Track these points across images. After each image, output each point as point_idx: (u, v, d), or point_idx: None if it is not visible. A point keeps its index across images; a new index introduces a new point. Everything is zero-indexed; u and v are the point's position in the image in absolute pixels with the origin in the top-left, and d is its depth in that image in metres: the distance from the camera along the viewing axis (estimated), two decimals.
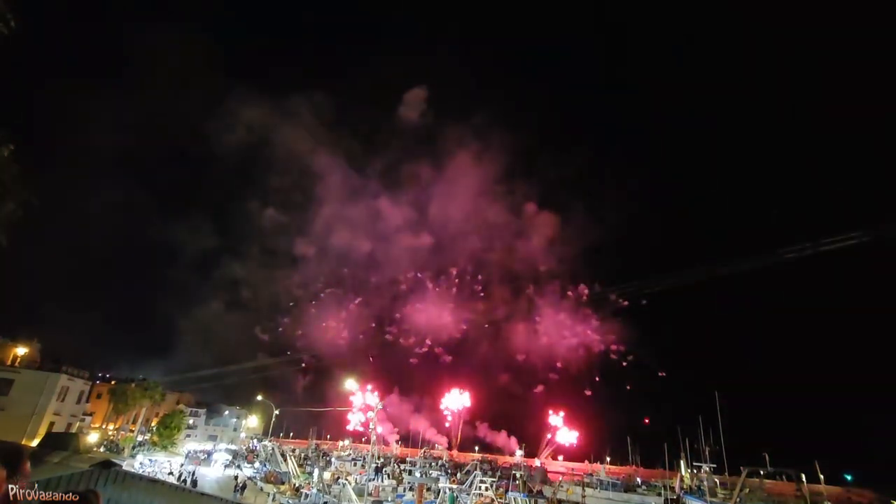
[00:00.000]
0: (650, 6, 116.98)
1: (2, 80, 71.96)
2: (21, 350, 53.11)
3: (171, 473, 42.93)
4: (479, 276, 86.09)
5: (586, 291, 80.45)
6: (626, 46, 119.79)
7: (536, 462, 66.55)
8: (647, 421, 61.41)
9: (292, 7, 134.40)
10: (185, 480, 40.28)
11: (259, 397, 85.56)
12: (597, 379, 77.21)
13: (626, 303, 77.64)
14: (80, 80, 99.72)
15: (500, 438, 77.93)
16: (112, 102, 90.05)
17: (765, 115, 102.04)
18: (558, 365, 78.39)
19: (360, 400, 74.46)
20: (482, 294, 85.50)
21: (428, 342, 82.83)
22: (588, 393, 75.89)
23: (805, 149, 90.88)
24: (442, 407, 76.41)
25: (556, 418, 70.91)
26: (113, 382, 69.64)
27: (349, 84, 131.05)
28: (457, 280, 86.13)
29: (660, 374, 72.74)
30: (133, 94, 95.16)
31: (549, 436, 72.31)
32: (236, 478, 42.86)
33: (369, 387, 71.07)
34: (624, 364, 75.43)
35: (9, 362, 50.77)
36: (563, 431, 70.22)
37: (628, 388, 74.47)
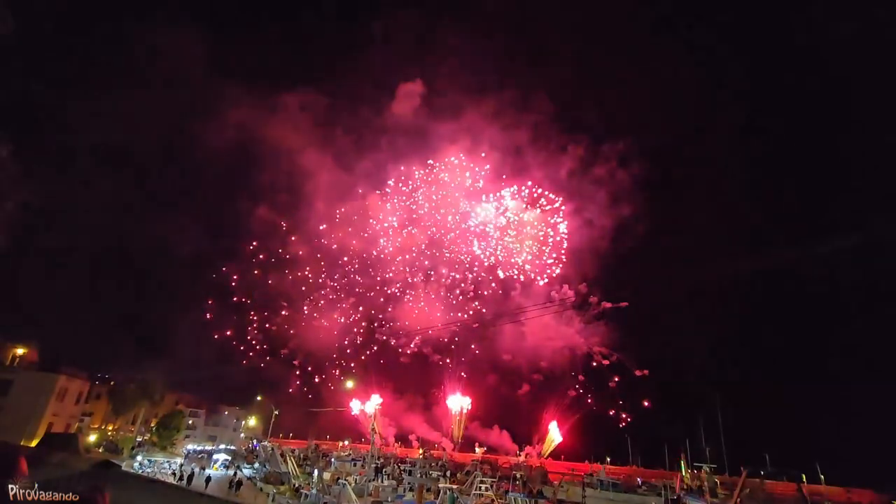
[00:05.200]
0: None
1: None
2: (20, 351, 53.08)
3: (173, 473, 42.97)
4: (469, 276, 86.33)
5: (571, 293, 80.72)
6: (621, 42, 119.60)
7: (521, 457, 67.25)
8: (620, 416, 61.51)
9: (285, 5, 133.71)
10: (182, 478, 40.43)
11: (258, 398, 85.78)
12: (580, 378, 77.55)
13: (609, 304, 77.99)
14: (74, 79, 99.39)
15: (493, 436, 78.42)
16: (107, 102, 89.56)
17: (757, 117, 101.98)
18: (543, 365, 78.91)
19: (358, 405, 75.73)
20: (471, 294, 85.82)
21: (417, 342, 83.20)
22: (572, 393, 76.36)
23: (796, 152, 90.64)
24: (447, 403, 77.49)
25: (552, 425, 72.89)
26: (112, 383, 69.53)
27: (342, 82, 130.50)
28: (447, 280, 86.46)
29: (636, 373, 72.90)
30: (127, 93, 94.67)
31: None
32: (235, 474, 43.18)
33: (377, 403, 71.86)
34: (606, 363, 75.72)
35: (8, 363, 50.75)
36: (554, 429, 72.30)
37: (611, 386, 74.83)
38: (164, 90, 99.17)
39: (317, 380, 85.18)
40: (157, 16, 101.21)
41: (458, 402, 76.03)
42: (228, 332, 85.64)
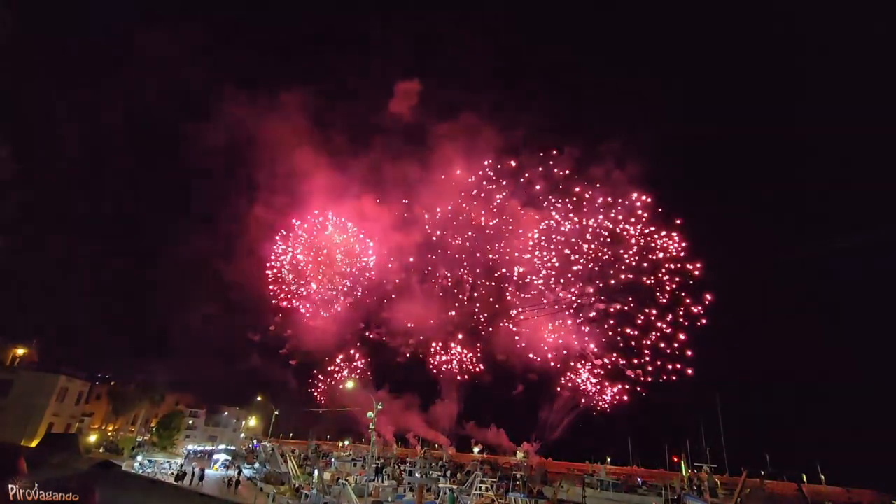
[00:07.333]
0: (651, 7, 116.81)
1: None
2: (20, 351, 53.09)
3: (173, 473, 42.96)
4: (464, 277, 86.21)
5: (567, 290, 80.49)
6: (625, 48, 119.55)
7: (519, 455, 67.26)
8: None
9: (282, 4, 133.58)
10: (180, 478, 40.49)
11: (258, 398, 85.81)
12: (573, 376, 77.48)
13: (601, 305, 77.78)
14: (72, 80, 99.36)
15: (491, 435, 78.45)
16: (104, 103, 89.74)
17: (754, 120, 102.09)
18: (537, 365, 78.90)
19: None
20: (466, 295, 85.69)
21: (412, 342, 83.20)
22: (565, 393, 76.19)
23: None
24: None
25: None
26: (112, 383, 69.53)
27: (338, 81, 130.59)
28: (443, 280, 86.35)
29: (629, 373, 72.80)
30: (124, 93, 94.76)
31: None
32: (238, 474, 43.36)
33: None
34: (600, 363, 75.63)
35: (8, 363, 50.76)
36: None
37: (605, 384, 74.75)
38: (163, 89, 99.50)
39: (314, 380, 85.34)
40: (154, 14, 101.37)
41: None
42: (228, 332, 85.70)
